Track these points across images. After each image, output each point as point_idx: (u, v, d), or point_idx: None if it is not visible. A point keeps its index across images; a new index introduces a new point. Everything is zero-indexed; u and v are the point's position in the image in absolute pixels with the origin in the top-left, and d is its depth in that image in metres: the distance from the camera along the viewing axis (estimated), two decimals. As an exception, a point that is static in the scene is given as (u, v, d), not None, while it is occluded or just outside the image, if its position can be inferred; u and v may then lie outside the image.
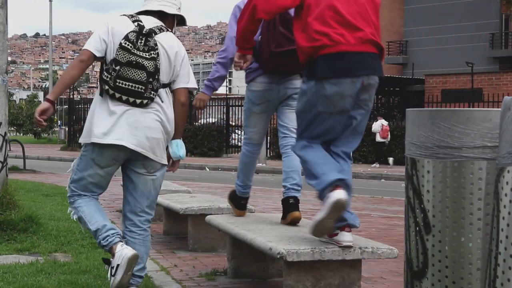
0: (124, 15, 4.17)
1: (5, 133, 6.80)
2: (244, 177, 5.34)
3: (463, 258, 2.96)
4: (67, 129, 38.84)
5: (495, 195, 2.46)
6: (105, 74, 3.99)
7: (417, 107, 21.00)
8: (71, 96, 37.93)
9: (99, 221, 4.06)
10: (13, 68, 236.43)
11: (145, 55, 3.97)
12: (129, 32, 4.00)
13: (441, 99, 28.04)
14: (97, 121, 4.03)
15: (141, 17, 4.14)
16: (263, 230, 4.57)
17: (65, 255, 5.73)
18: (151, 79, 3.96)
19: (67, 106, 43.14)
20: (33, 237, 6.30)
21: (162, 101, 4.07)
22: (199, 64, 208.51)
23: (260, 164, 21.82)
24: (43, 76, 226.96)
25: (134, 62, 3.95)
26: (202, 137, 27.51)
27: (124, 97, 3.97)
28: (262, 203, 10.97)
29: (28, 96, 56.90)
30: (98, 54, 4.05)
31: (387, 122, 21.92)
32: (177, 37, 4.25)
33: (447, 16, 41.77)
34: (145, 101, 3.97)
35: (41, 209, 8.27)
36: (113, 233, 4.02)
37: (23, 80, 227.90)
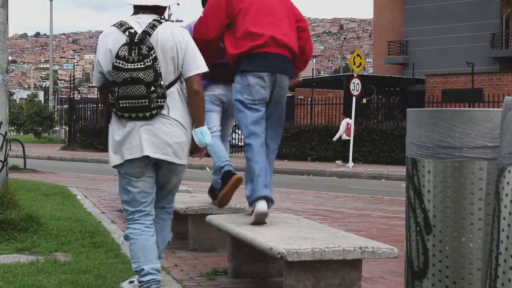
0: (114, 25, 4.11)
1: (6, 132, 6.80)
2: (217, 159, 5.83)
3: (463, 258, 2.96)
4: (67, 128, 38.85)
5: (496, 195, 2.46)
6: (110, 97, 4.06)
7: (417, 107, 21.00)
8: (72, 96, 37.95)
9: (140, 263, 4.12)
10: (14, 68, 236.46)
11: (139, 65, 3.95)
12: (120, 47, 3.98)
13: (442, 99, 28.05)
14: (118, 141, 4.10)
15: (133, 21, 4.11)
16: (264, 230, 4.56)
17: (66, 255, 5.74)
18: (152, 88, 3.96)
19: (67, 106, 43.16)
20: (33, 237, 6.30)
21: (174, 102, 4.09)
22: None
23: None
24: (43, 75, 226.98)
25: (129, 79, 3.95)
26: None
27: (133, 115, 4.01)
28: (262, 203, 10.96)
29: (28, 95, 56.92)
30: (101, 84, 4.18)
31: (352, 121, 22.23)
32: None
33: (447, 16, 41.78)
34: (154, 112, 4.01)
35: (41, 208, 8.27)
36: (149, 280, 4.11)
37: (23, 80, 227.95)
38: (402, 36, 44.89)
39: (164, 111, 4.04)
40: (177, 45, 4.08)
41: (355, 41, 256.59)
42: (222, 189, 5.62)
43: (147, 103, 3.97)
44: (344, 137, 22.63)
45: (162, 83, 4.00)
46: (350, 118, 21.90)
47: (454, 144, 2.98)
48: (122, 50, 3.97)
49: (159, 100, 3.99)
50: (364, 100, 28.65)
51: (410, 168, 3.17)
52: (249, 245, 4.40)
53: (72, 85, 42.44)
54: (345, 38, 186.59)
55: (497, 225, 2.42)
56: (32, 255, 5.67)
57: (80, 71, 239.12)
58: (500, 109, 2.58)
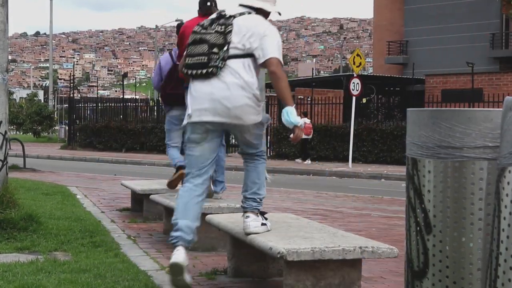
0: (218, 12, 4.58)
1: (5, 131, 6.80)
2: None
3: (464, 258, 2.96)
4: (67, 128, 38.85)
5: (496, 195, 2.46)
6: (184, 59, 4.50)
7: (417, 107, 20.97)
8: (71, 95, 37.94)
9: (178, 217, 4.39)
10: (14, 67, 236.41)
11: (209, 30, 4.37)
12: (207, 20, 4.50)
13: (441, 99, 28.04)
14: (188, 103, 4.46)
15: (228, 8, 4.56)
16: (264, 230, 4.56)
17: (65, 254, 5.73)
18: (215, 49, 4.30)
19: (67, 105, 43.16)
20: (33, 236, 6.30)
21: (237, 70, 4.34)
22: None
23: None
24: (43, 75, 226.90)
25: (197, 39, 4.39)
26: (202, 136, 27.51)
27: (193, 72, 4.37)
28: (262, 202, 10.96)
29: (28, 94, 56.84)
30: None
31: (309, 120, 23.03)
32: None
33: (447, 16, 41.78)
34: (210, 70, 4.30)
35: (41, 207, 8.26)
36: (177, 236, 4.34)
37: (23, 79, 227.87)
38: (402, 36, 44.89)
39: (224, 76, 4.31)
40: (255, 32, 4.38)
41: (355, 41, 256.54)
42: (172, 177, 7.55)
43: (205, 60, 4.31)
44: (303, 136, 22.93)
45: (226, 49, 4.31)
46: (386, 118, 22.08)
47: (455, 144, 2.98)
48: (205, 22, 4.47)
49: (218, 61, 4.30)
50: (364, 100, 28.65)
51: (410, 168, 3.17)
52: (248, 244, 4.40)
53: (72, 84, 42.42)
54: (345, 38, 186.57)
55: (497, 225, 2.42)
56: (32, 254, 5.66)
57: (80, 70, 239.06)
58: (500, 109, 2.58)
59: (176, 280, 4.28)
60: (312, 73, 33.37)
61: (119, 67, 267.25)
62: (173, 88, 6.96)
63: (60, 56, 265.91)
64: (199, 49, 4.35)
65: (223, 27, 4.34)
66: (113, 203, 10.09)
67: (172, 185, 7.56)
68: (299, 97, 29.95)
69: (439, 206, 3.01)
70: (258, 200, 4.56)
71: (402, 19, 44.81)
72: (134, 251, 6.07)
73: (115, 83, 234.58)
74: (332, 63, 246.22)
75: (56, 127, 49.88)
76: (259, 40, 4.37)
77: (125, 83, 37.75)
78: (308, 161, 23.00)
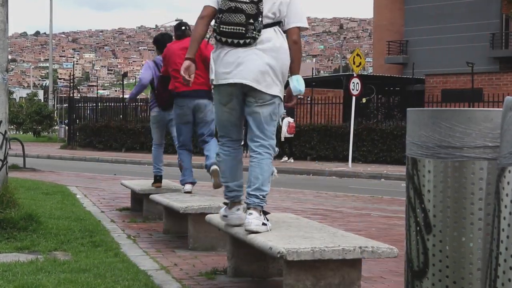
0: None
1: (5, 131, 6.80)
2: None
3: (463, 258, 2.96)
4: (67, 127, 38.84)
5: (496, 195, 2.46)
6: (214, 23, 4.55)
7: (417, 107, 20.96)
8: (71, 95, 37.93)
9: (227, 179, 4.76)
10: (13, 67, 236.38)
11: (246, 0, 4.45)
12: None
13: (441, 99, 28.04)
14: (213, 67, 4.61)
15: None
16: (263, 229, 4.56)
17: (65, 254, 5.73)
18: (251, 20, 4.44)
19: (67, 105, 43.15)
20: (33, 236, 6.30)
21: (269, 40, 4.50)
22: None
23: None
24: (43, 74, 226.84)
25: (233, 8, 4.44)
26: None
27: (229, 40, 4.48)
28: (262, 202, 10.96)
29: (28, 94, 56.92)
30: (215, 6, 4.57)
31: (292, 119, 23.62)
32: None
33: (447, 16, 41.78)
34: (247, 41, 4.46)
35: (41, 207, 8.26)
36: (233, 195, 4.73)
37: (23, 79, 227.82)
38: (402, 35, 44.89)
39: (257, 45, 4.48)
40: None
41: (355, 41, 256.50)
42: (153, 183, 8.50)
43: (243, 31, 4.45)
44: (287, 135, 23.55)
45: (260, 19, 4.46)
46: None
47: (455, 144, 2.98)
48: None
49: (254, 32, 4.45)
50: (364, 100, 28.64)
51: (410, 168, 3.17)
52: (248, 244, 4.40)
53: (71, 84, 42.41)
54: (345, 38, 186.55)
55: (497, 225, 2.42)
56: (32, 254, 5.66)
57: (79, 70, 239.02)
58: (500, 109, 2.58)
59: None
60: (312, 73, 33.38)
61: (119, 66, 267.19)
62: (163, 92, 7.78)
63: (60, 56, 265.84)
64: (235, 18, 4.44)
65: None
66: (113, 203, 10.09)
67: (156, 187, 8.38)
68: (299, 96, 29.96)
69: (439, 206, 3.01)
70: (261, 196, 4.58)
71: (402, 19, 44.82)
72: (134, 250, 6.07)
73: (115, 82, 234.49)
74: (332, 63, 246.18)
75: (56, 127, 49.88)
76: (286, 7, 4.55)
77: (125, 82, 37.70)
78: (291, 160, 23.54)
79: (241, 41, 4.45)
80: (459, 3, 41.75)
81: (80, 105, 35.19)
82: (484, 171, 2.94)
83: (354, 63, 21.34)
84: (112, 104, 34.67)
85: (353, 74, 22.23)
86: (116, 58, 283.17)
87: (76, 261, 5.32)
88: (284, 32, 4.59)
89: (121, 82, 40.22)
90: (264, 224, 4.48)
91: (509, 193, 2.38)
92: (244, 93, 4.57)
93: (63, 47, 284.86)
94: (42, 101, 60.15)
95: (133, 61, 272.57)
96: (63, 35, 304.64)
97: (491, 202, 2.89)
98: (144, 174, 17.01)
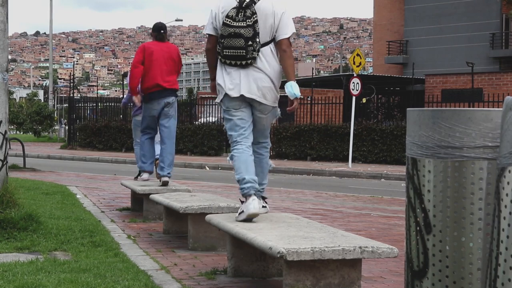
0: None
1: (5, 131, 6.80)
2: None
3: (463, 258, 2.96)
4: (67, 127, 38.83)
5: (496, 195, 2.46)
6: (217, 47, 5.23)
7: (417, 107, 21.00)
8: (71, 95, 37.93)
9: (242, 173, 5.13)
10: (13, 67, 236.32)
11: (242, 24, 5.09)
12: (230, 9, 5.16)
13: (441, 99, 28.04)
14: (223, 82, 5.25)
15: None
16: (263, 229, 4.56)
17: (65, 254, 5.73)
18: (250, 43, 5.09)
19: (67, 105, 43.15)
20: (33, 236, 6.30)
21: (267, 57, 5.20)
22: (199, 63, 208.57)
23: (260, 163, 21.79)
24: (43, 74, 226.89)
25: (233, 33, 5.09)
26: (202, 136, 27.52)
27: (232, 62, 5.16)
28: (262, 202, 10.97)
29: (28, 94, 56.85)
30: (215, 33, 5.27)
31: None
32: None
33: (447, 16, 41.78)
34: (249, 61, 5.12)
35: (41, 207, 8.27)
36: (249, 186, 5.07)
37: (23, 79, 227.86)
38: (402, 35, 44.89)
39: (258, 63, 5.16)
40: (275, 14, 5.20)
41: (355, 41, 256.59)
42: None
43: (244, 53, 5.10)
44: None
45: (258, 40, 5.13)
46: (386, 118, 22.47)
47: (455, 144, 2.98)
48: (231, 12, 5.16)
49: (254, 52, 5.11)
50: (364, 100, 28.63)
51: (410, 168, 3.17)
52: (248, 244, 4.40)
53: (71, 84, 42.42)
54: (345, 38, 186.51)
55: (497, 225, 2.42)
56: (32, 254, 5.66)
57: (80, 70, 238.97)
58: (500, 109, 2.58)
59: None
60: (312, 73, 33.37)
61: (119, 66, 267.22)
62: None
63: (60, 56, 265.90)
64: (236, 42, 5.10)
65: (250, 20, 5.10)
66: (113, 203, 10.09)
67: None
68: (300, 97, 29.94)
69: (439, 206, 3.01)
70: (262, 189, 5.45)
71: (402, 19, 44.82)
72: (134, 250, 6.07)
73: (115, 82, 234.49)
74: (332, 63, 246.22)
75: (56, 127, 49.89)
76: (277, 22, 5.19)
77: (125, 82, 37.71)
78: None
79: (243, 62, 5.13)
80: (459, 3, 41.74)
81: (80, 105, 35.18)
82: (484, 171, 2.94)
83: (354, 63, 21.34)
84: (112, 104, 34.65)
85: (353, 74, 22.23)
86: (116, 58, 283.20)
87: (76, 261, 5.32)
88: (276, 42, 5.24)
89: (121, 82, 40.22)
90: (264, 206, 5.30)
91: (509, 193, 2.38)
92: (251, 104, 5.28)
93: (63, 47, 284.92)
94: (42, 101, 60.15)
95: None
96: (63, 35, 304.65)
97: (491, 202, 2.89)
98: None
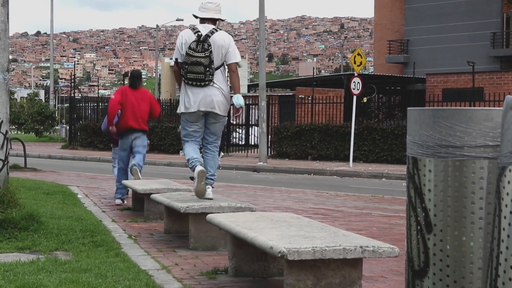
0: (189, 28, 6.82)
1: (6, 131, 6.80)
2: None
3: (464, 257, 2.96)
4: (68, 127, 38.82)
5: (497, 194, 2.46)
6: (182, 71, 6.74)
7: (418, 106, 20.97)
8: (72, 95, 37.92)
9: (191, 154, 6.77)
10: (14, 67, 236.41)
11: (201, 55, 6.63)
12: (192, 42, 6.65)
13: (442, 98, 28.03)
14: (185, 99, 6.78)
15: (200, 27, 6.80)
16: (264, 229, 4.57)
17: (66, 254, 5.74)
18: (208, 69, 6.64)
19: (68, 105, 43.14)
20: (34, 236, 6.30)
21: (219, 78, 6.75)
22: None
23: (261, 163, 21.82)
24: (44, 74, 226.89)
25: (195, 62, 6.63)
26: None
27: (194, 83, 6.69)
28: (263, 201, 10.97)
29: (29, 94, 56.73)
30: (180, 60, 6.77)
31: None
32: (178, 35, 6.90)
33: (448, 15, 41.76)
34: (206, 83, 6.68)
35: (42, 207, 8.27)
36: (195, 160, 6.68)
37: (24, 79, 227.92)
38: (402, 35, 44.87)
39: (214, 83, 6.69)
40: (225, 45, 6.75)
41: (355, 40, 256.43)
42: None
43: (203, 77, 6.66)
44: None
45: (213, 66, 6.68)
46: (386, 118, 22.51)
47: (455, 143, 2.98)
48: (193, 44, 6.65)
49: (210, 76, 6.67)
50: (365, 99, 28.63)
51: (411, 167, 3.17)
52: (249, 244, 4.40)
53: (72, 84, 42.41)
54: (345, 37, 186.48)
55: (497, 224, 2.42)
56: (33, 254, 5.66)
57: (80, 70, 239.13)
58: (501, 108, 2.58)
59: (200, 185, 6.50)
60: (313, 72, 33.35)
61: (120, 66, 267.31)
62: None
63: (61, 56, 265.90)
64: (197, 69, 6.65)
65: (207, 51, 6.63)
66: (114, 203, 10.09)
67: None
68: (300, 96, 29.95)
69: (440, 205, 3.01)
70: (213, 178, 6.98)
71: (403, 18, 44.81)
72: (135, 250, 6.07)
73: (116, 82, 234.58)
74: (332, 62, 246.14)
75: (57, 127, 49.88)
76: (227, 51, 6.75)
77: (125, 82, 37.70)
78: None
79: (203, 83, 6.68)
80: (459, 2, 41.72)
81: (81, 105, 35.18)
82: (485, 170, 2.94)
83: (355, 62, 21.33)
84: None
85: (354, 74, 22.22)
86: (117, 58, 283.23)
87: (77, 261, 5.32)
88: (227, 65, 6.82)
89: (122, 82, 40.21)
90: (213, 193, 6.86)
91: (510, 192, 2.37)
92: (207, 114, 6.82)
93: (64, 47, 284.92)
94: (43, 101, 60.12)
95: (134, 61, 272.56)
96: (64, 35, 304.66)
97: (491, 201, 2.88)
98: (145, 174, 17.00)
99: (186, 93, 6.74)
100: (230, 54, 6.75)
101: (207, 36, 6.64)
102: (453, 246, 2.97)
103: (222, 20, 7.05)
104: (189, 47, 6.59)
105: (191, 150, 6.77)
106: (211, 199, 6.52)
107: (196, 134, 6.86)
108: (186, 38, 6.69)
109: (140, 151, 9.79)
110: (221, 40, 6.69)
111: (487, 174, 2.94)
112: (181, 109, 6.84)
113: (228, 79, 6.96)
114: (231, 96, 6.84)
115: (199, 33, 6.67)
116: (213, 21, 6.86)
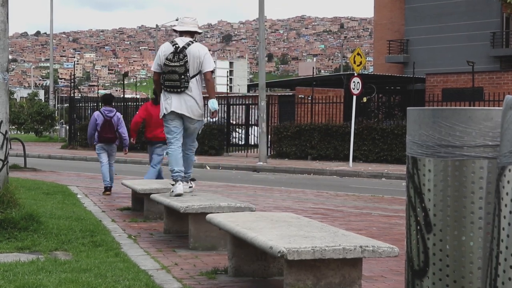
0: (168, 42, 7.54)
1: (6, 131, 6.80)
2: None
3: (464, 257, 2.96)
4: (67, 127, 38.80)
5: (496, 194, 2.46)
6: (161, 79, 7.47)
7: (417, 106, 20.96)
8: (72, 95, 37.93)
9: (173, 166, 7.43)
10: (14, 67, 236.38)
11: (177, 64, 7.33)
12: (169, 54, 7.36)
13: (442, 98, 28.02)
14: (164, 104, 7.47)
15: (178, 40, 7.47)
16: (264, 229, 4.56)
17: (66, 254, 5.73)
18: (182, 77, 7.34)
19: (68, 105, 43.14)
20: (33, 236, 6.30)
21: (194, 85, 7.42)
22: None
23: (261, 163, 21.82)
24: (44, 74, 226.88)
25: (171, 71, 7.36)
26: (202, 135, 27.48)
27: (171, 89, 7.40)
28: (262, 201, 10.97)
29: (29, 94, 56.75)
30: (159, 71, 7.50)
31: None
32: (178, 34, 7.65)
33: (448, 15, 41.77)
34: (181, 89, 7.38)
35: (41, 207, 8.27)
36: (177, 174, 7.36)
37: (24, 79, 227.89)
38: (402, 35, 44.87)
39: (188, 91, 7.38)
40: (200, 56, 7.38)
41: (355, 40, 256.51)
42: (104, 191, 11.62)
43: (178, 84, 7.36)
44: None
45: (188, 74, 7.35)
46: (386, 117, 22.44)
47: (455, 143, 2.98)
48: (170, 55, 7.36)
49: (185, 83, 7.35)
50: (365, 99, 28.62)
51: (410, 167, 3.17)
52: (249, 244, 4.40)
53: (72, 83, 42.41)
54: (345, 37, 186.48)
55: (497, 224, 2.41)
56: (33, 254, 5.66)
57: (80, 70, 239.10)
58: (501, 108, 2.58)
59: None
60: (313, 72, 33.33)
61: (119, 66, 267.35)
62: (107, 133, 11.74)
63: (61, 56, 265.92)
64: (172, 77, 7.35)
65: (182, 61, 7.31)
66: (113, 203, 10.09)
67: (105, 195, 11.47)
68: (299, 96, 29.94)
69: (439, 205, 3.01)
70: (189, 175, 7.77)
71: (403, 18, 44.80)
72: (134, 250, 6.07)
73: (116, 82, 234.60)
74: (332, 62, 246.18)
75: (57, 127, 49.88)
76: (201, 61, 7.39)
77: (125, 82, 37.67)
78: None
79: (178, 90, 7.37)
80: (459, 2, 41.73)
81: (81, 105, 35.17)
82: (484, 170, 2.94)
83: (354, 62, 21.33)
84: (113, 104, 34.63)
85: (354, 74, 22.21)
86: (116, 57, 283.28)
87: (77, 261, 5.32)
88: (203, 73, 7.43)
89: (122, 82, 40.23)
90: (190, 186, 7.61)
91: (509, 192, 2.37)
92: (183, 118, 7.49)
93: (63, 47, 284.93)
94: (43, 101, 60.10)
95: (134, 61, 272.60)
96: (63, 35, 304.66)
97: (491, 201, 2.89)
98: (145, 174, 16.99)
99: (165, 98, 7.46)
100: (205, 64, 7.38)
101: (184, 47, 7.33)
102: (452, 246, 2.97)
103: (199, 33, 7.76)
104: (167, 58, 7.32)
105: (173, 161, 7.47)
106: (189, 192, 7.48)
107: (177, 130, 7.53)
108: (164, 50, 7.42)
109: (159, 155, 11.17)
110: (197, 51, 7.34)
111: (486, 174, 2.94)
112: (162, 113, 7.56)
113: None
114: (208, 101, 7.60)
115: (177, 45, 7.36)
116: (190, 34, 7.54)
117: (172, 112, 7.46)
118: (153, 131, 11.10)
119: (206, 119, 8.19)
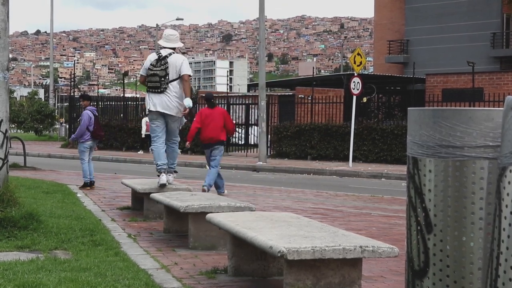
0: (154, 52, 9.07)
1: (6, 130, 6.80)
2: None
3: (464, 258, 2.95)
4: (67, 126, 38.77)
5: (497, 194, 2.46)
6: (145, 81, 8.90)
7: (417, 106, 20.96)
8: (72, 94, 37.89)
9: (157, 159, 8.81)
10: (14, 65, 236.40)
11: (159, 69, 8.77)
12: (153, 60, 8.82)
13: (442, 99, 28.01)
14: (149, 102, 8.81)
15: (162, 51, 8.90)
16: (264, 229, 4.56)
17: (66, 253, 5.73)
18: (163, 79, 8.76)
19: (67, 104, 43.14)
20: (33, 234, 6.30)
21: (173, 88, 8.80)
22: (199, 62, 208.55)
23: (261, 163, 21.81)
24: (44, 73, 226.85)
25: (153, 74, 8.79)
26: (202, 135, 27.50)
27: (153, 90, 8.79)
28: (262, 201, 10.97)
29: (29, 93, 56.79)
30: (145, 74, 8.94)
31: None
32: (179, 34, 9.33)
33: (448, 15, 41.77)
34: (162, 89, 8.76)
35: (41, 206, 8.27)
36: (161, 167, 8.70)
37: (24, 77, 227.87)
38: (402, 35, 44.87)
39: (168, 91, 8.77)
40: (178, 64, 8.81)
41: (355, 40, 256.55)
42: (84, 187, 12.29)
43: (159, 85, 8.76)
44: (145, 132, 27.14)
45: (168, 78, 8.77)
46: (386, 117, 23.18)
47: (455, 143, 2.98)
48: (154, 62, 8.82)
49: (165, 85, 8.75)
50: (365, 99, 28.62)
51: (411, 167, 3.17)
52: (249, 243, 4.40)
53: (72, 83, 42.39)
54: (345, 37, 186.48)
55: (498, 224, 2.41)
56: (32, 252, 5.66)
57: (80, 69, 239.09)
58: (501, 108, 2.57)
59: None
60: (313, 72, 33.32)
61: (119, 65, 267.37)
62: (100, 131, 12.59)
63: (61, 55, 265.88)
64: (154, 79, 8.76)
65: (163, 66, 8.74)
66: (113, 202, 10.09)
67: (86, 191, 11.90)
68: (299, 96, 29.93)
69: (440, 205, 3.01)
70: (174, 166, 9.09)
71: (403, 18, 44.81)
72: (134, 249, 6.07)
73: (116, 81, 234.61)
74: (332, 62, 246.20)
75: (57, 126, 49.87)
76: (180, 67, 8.77)
77: (125, 81, 37.66)
78: (141, 152, 27.67)
79: (159, 90, 8.76)
80: (460, 2, 41.73)
81: (80, 104, 35.09)
82: (485, 171, 2.94)
83: (354, 62, 21.33)
84: (113, 103, 34.65)
85: (354, 74, 22.21)
86: (116, 57, 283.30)
87: (77, 260, 5.32)
88: (181, 76, 8.80)
89: (122, 81, 40.22)
90: (173, 176, 8.97)
91: (510, 193, 2.37)
92: (164, 115, 8.81)
93: (64, 46, 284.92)
94: (43, 100, 60.10)
95: (134, 60, 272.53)
96: (64, 34, 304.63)
97: (492, 202, 2.88)
98: (145, 173, 17.01)
99: (150, 98, 8.86)
100: (183, 69, 8.81)
101: (166, 56, 8.82)
102: (453, 246, 2.97)
103: (180, 47, 9.47)
104: (151, 64, 8.82)
105: (157, 156, 8.84)
106: (171, 184, 8.69)
107: (158, 129, 8.87)
108: (150, 58, 8.95)
109: (216, 156, 12.11)
110: (175, 60, 8.83)
111: (487, 175, 2.94)
112: (147, 109, 8.91)
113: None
114: (183, 100, 8.81)
115: (160, 55, 8.87)
116: (173, 48, 9.04)
117: (154, 112, 8.77)
118: (207, 134, 12.03)
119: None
